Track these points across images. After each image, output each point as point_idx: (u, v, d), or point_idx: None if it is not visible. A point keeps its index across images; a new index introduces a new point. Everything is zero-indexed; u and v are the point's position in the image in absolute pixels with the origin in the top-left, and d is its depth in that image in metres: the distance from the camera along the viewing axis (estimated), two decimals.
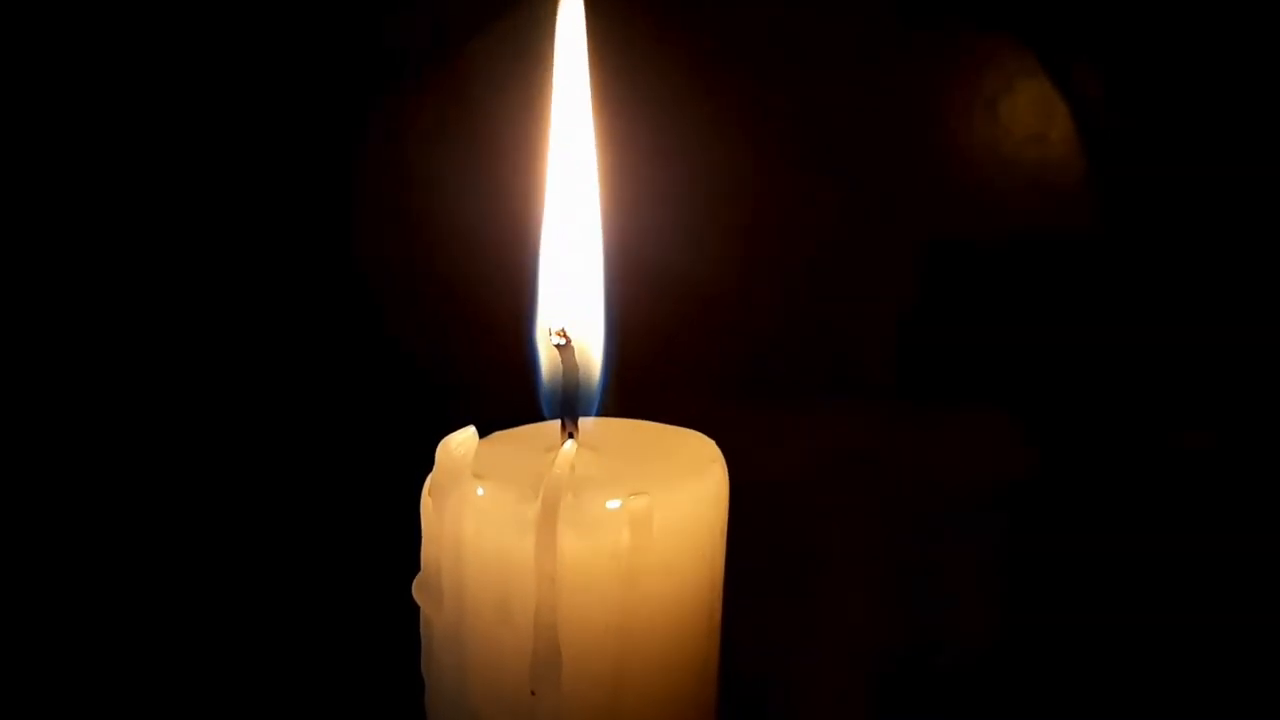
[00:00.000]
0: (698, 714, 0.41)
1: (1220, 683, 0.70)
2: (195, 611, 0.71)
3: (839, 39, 0.75)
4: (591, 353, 0.43)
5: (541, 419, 0.43)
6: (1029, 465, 0.74)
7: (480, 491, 0.39)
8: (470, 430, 0.40)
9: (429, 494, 0.40)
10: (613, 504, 0.38)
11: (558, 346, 0.41)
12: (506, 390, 0.45)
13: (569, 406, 0.41)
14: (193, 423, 0.74)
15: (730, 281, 0.74)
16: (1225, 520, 0.71)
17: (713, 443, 0.42)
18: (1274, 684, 0.69)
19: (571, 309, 0.42)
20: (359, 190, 0.74)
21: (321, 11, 0.74)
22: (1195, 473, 0.72)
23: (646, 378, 0.50)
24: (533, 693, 0.39)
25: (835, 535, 0.73)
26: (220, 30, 0.73)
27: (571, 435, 0.41)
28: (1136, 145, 0.74)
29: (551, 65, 0.44)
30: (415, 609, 0.41)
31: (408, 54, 0.74)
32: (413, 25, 0.74)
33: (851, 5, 0.75)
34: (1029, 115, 0.75)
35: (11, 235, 0.73)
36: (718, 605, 0.42)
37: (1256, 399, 0.73)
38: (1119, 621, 0.71)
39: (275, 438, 0.73)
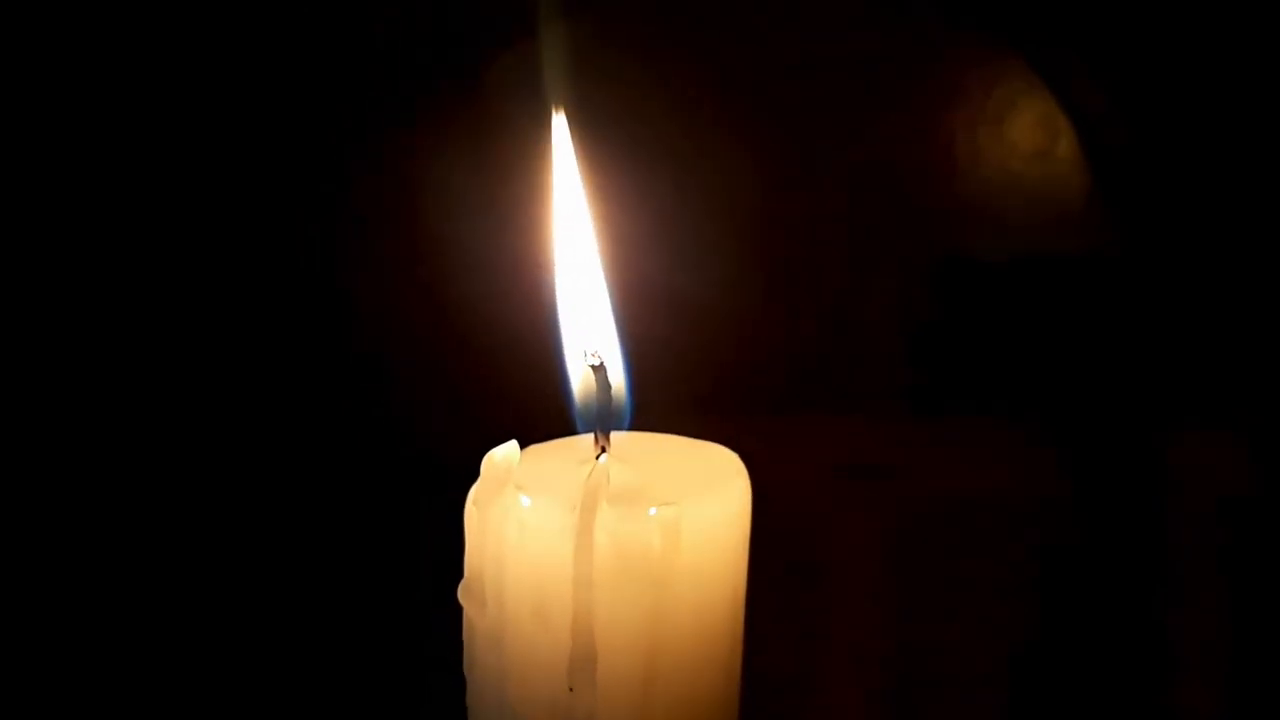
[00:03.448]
0: (722, 709, 0.43)
1: (1229, 695, 0.71)
2: (254, 615, 0.73)
3: (845, 58, 0.76)
4: (622, 372, 0.45)
5: (574, 433, 0.45)
6: (1040, 478, 0.75)
7: (526, 502, 0.41)
8: (512, 444, 0.42)
9: (473, 504, 0.42)
10: (645, 513, 0.41)
11: (593, 367, 0.43)
12: (539, 405, 0.47)
13: (602, 422, 0.43)
14: (252, 442, 0.75)
15: (748, 304, 0.75)
16: (1234, 532, 0.73)
17: (736, 456, 0.44)
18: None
19: (597, 332, 0.45)
20: (390, 208, 0.76)
21: (337, 30, 0.75)
22: (1206, 483, 0.74)
23: (674, 395, 0.52)
24: (570, 690, 0.41)
25: (850, 545, 0.74)
26: (235, 48, 0.74)
27: (605, 449, 0.43)
28: (1140, 161, 0.75)
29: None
30: (459, 612, 0.43)
31: (427, 73, 0.76)
32: (429, 45, 0.76)
33: (856, 24, 0.76)
34: (1033, 132, 0.76)
35: (12, 252, 0.73)
36: (741, 608, 0.44)
37: (1263, 408, 0.74)
38: (1131, 634, 0.73)
39: (335, 457, 0.75)
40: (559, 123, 0.45)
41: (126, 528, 0.74)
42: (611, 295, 0.45)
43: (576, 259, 0.44)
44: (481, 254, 0.71)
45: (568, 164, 0.45)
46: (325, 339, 0.75)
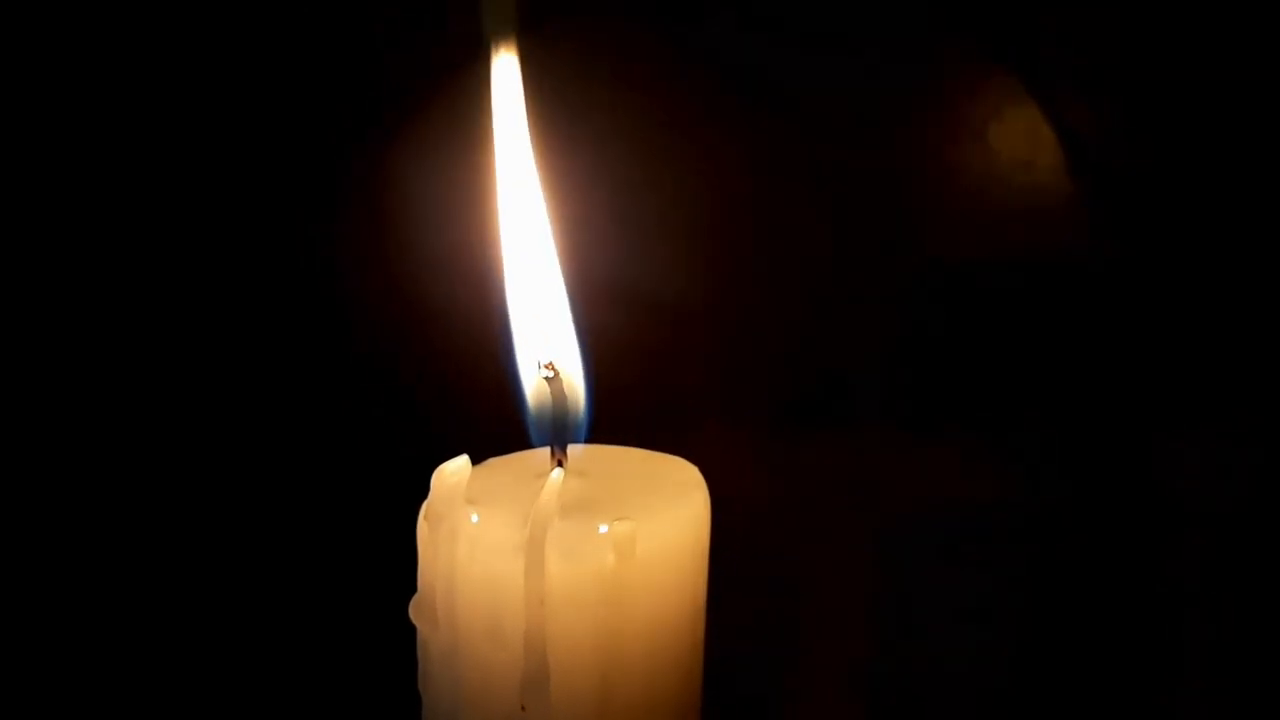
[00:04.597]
0: None
1: (1229, 702, 0.71)
2: (205, 630, 0.72)
3: (829, 65, 0.76)
4: (578, 382, 0.44)
5: (531, 446, 0.45)
6: (1018, 490, 0.74)
7: (474, 518, 0.41)
8: (463, 459, 0.42)
9: (424, 520, 0.41)
10: (599, 529, 0.40)
11: (546, 379, 0.42)
12: (497, 419, 0.47)
13: (557, 435, 0.43)
14: (196, 450, 0.74)
15: (718, 308, 0.75)
16: (1232, 538, 0.73)
17: (695, 468, 0.44)
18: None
19: (551, 339, 0.44)
20: (347, 217, 0.75)
21: (309, 41, 0.75)
22: (1202, 489, 0.73)
23: (636, 404, 0.51)
24: (523, 708, 0.40)
25: (823, 559, 0.74)
26: (208, 54, 0.74)
27: (560, 463, 0.43)
28: (1128, 168, 0.75)
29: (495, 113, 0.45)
30: (412, 630, 0.42)
31: (396, 82, 0.75)
32: (402, 55, 0.76)
33: (841, 33, 0.76)
34: (1017, 142, 0.76)
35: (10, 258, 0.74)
36: (700, 623, 0.43)
37: (1259, 413, 0.73)
38: (1128, 643, 0.72)
39: (282, 468, 0.74)
40: (504, 63, 0.43)
41: (102, 532, 0.73)
42: (571, 295, 0.44)
43: (526, 245, 0.43)
44: (444, 261, 0.71)
45: (513, 114, 0.43)
46: (276, 353, 0.75)
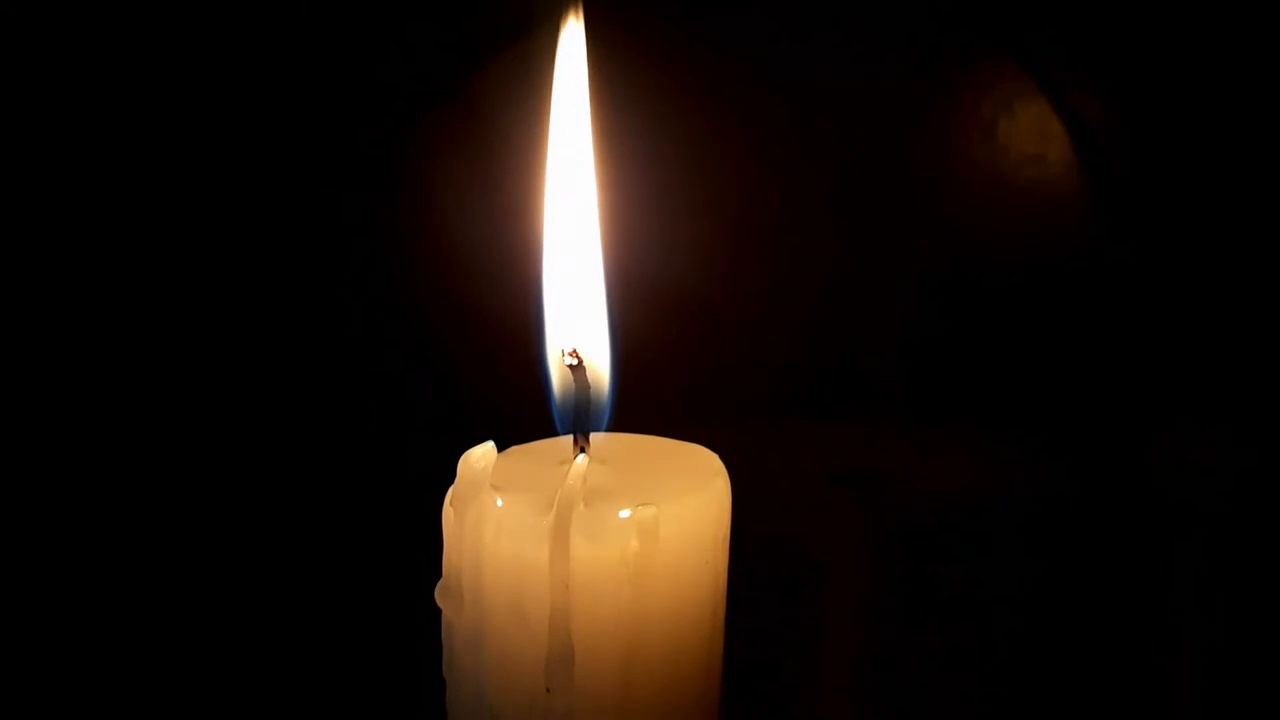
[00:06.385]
0: (702, 709, 0.43)
1: (1228, 699, 0.71)
2: (232, 615, 0.73)
3: (842, 64, 0.76)
4: (602, 371, 0.45)
5: (555, 434, 0.45)
6: (1033, 483, 0.75)
7: (499, 503, 0.41)
8: (489, 445, 0.42)
9: (450, 505, 0.42)
10: (622, 514, 0.41)
11: (570, 367, 0.43)
12: (522, 407, 0.47)
13: (581, 423, 0.43)
14: (228, 445, 0.75)
15: (738, 302, 0.75)
16: (1232, 536, 0.73)
17: (716, 456, 0.44)
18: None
19: (581, 329, 0.45)
20: (376, 210, 0.76)
21: (336, 37, 0.75)
22: (1201, 486, 0.74)
23: (657, 394, 0.52)
24: (548, 690, 0.41)
25: (842, 550, 0.74)
26: (240, 54, 0.75)
27: (583, 449, 0.43)
28: (1134, 166, 0.75)
29: (556, 90, 0.46)
30: (438, 613, 0.43)
31: (424, 77, 0.76)
32: (427, 49, 0.76)
33: (853, 31, 0.76)
34: (1028, 137, 0.76)
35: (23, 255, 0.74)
36: (720, 608, 0.44)
37: (1260, 411, 0.74)
38: (1123, 641, 0.72)
39: (308, 457, 0.75)
40: (573, 30, 0.44)
41: (148, 542, 0.74)
42: (606, 285, 0.45)
43: (570, 231, 0.44)
44: (472, 255, 0.71)
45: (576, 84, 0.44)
46: (310, 341, 0.75)
